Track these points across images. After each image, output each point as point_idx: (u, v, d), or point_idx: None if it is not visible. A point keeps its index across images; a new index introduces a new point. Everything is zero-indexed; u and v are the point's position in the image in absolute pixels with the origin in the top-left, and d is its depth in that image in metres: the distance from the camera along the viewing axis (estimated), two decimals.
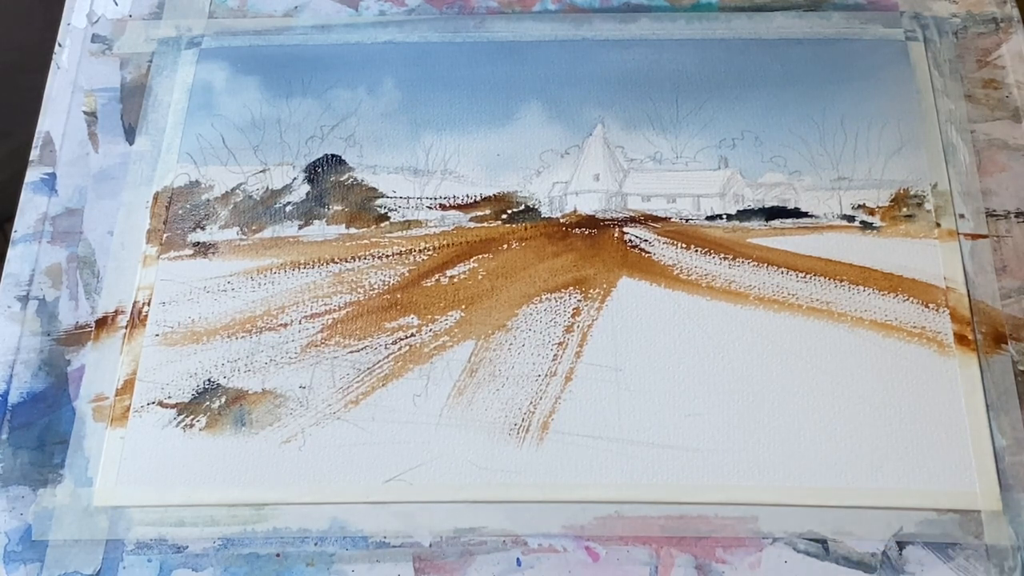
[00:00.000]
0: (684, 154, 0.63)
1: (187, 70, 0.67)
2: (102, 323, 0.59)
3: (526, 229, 0.61)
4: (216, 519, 0.53)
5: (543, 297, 0.59)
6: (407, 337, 0.58)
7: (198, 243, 0.61)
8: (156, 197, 0.63)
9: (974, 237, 0.60)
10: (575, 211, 0.62)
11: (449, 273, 0.60)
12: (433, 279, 0.60)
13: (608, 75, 0.66)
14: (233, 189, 0.63)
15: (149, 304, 0.59)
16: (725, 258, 0.60)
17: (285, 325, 0.58)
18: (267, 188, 0.63)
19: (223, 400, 0.56)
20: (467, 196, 0.62)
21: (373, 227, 0.62)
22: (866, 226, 0.60)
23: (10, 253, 0.62)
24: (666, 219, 0.61)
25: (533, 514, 0.53)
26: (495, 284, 0.59)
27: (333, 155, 0.64)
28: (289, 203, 0.63)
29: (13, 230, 0.62)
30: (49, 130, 0.66)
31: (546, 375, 0.56)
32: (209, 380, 0.57)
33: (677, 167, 0.63)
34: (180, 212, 0.62)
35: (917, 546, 0.52)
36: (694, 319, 0.58)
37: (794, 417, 0.55)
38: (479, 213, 0.62)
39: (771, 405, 0.55)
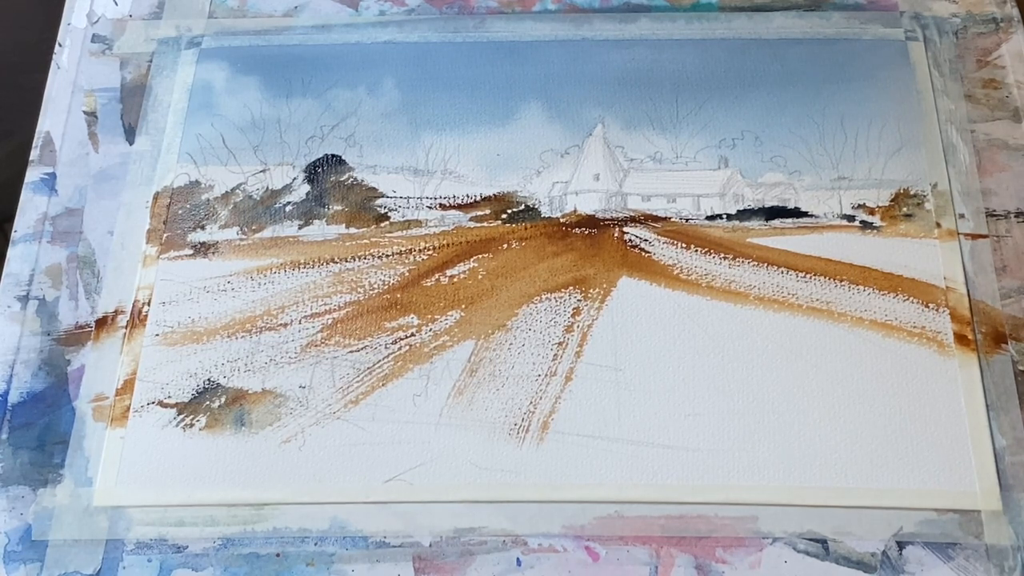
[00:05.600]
0: (684, 154, 0.63)
1: (187, 70, 0.67)
2: (102, 323, 0.59)
3: (526, 229, 0.61)
4: (216, 519, 0.53)
5: (543, 297, 0.59)
6: (407, 337, 0.58)
7: (198, 243, 0.61)
8: (156, 197, 0.63)
9: (974, 237, 0.60)
10: (575, 211, 0.62)
11: (449, 273, 0.60)
12: (433, 279, 0.60)
13: (608, 75, 0.66)
14: (233, 189, 0.63)
15: (149, 304, 0.59)
16: (725, 258, 0.60)
17: (285, 325, 0.59)
18: (267, 188, 0.63)
19: (223, 400, 0.56)
20: (467, 196, 0.62)
21: (373, 227, 0.62)
22: (866, 226, 0.60)
23: (10, 253, 0.62)
24: (666, 219, 0.61)
25: (533, 514, 0.53)
26: (495, 284, 0.59)
27: (333, 155, 0.64)
28: (289, 203, 0.63)
29: (13, 230, 0.62)
30: (49, 130, 0.66)
31: (546, 375, 0.56)
32: (209, 380, 0.57)
33: (677, 167, 0.63)
34: (180, 212, 0.62)
35: (917, 546, 0.52)
36: (694, 319, 0.58)
37: (794, 417, 0.55)
38: (479, 213, 0.62)
39: (771, 405, 0.55)
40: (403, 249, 0.61)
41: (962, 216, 0.60)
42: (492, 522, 0.53)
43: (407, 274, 0.60)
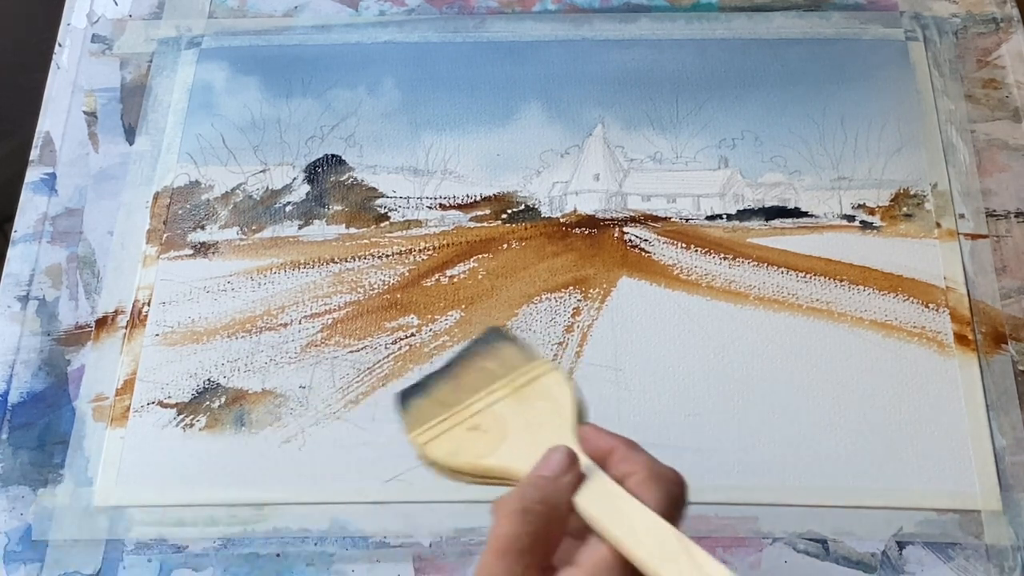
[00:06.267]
0: (684, 154, 0.63)
1: (187, 70, 0.67)
2: (102, 323, 0.59)
3: (526, 229, 0.61)
4: (216, 519, 0.53)
5: (543, 297, 0.59)
6: (407, 337, 0.58)
7: (198, 243, 0.61)
8: (156, 197, 0.63)
9: (974, 237, 0.60)
10: (575, 211, 0.62)
11: (449, 273, 0.60)
12: (433, 279, 0.60)
13: (608, 75, 0.66)
14: (233, 189, 0.63)
15: (149, 304, 0.59)
16: (725, 258, 0.60)
17: (285, 325, 0.58)
18: (267, 188, 0.63)
19: (223, 400, 0.56)
20: (467, 196, 0.62)
21: (373, 227, 0.62)
22: (866, 226, 0.60)
23: (10, 253, 0.62)
24: (666, 219, 0.61)
25: None
26: (495, 284, 0.59)
27: (333, 155, 0.64)
28: (289, 203, 0.63)
29: (13, 230, 0.62)
30: (49, 130, 0.66)
31: None
32: (209, 380, 0.57)
33: (677, 167, 0.63)
34: (180, 212, 0.62)
35: (917, 546, 0.52)
36: (694, 319, 0.58)
37: (794, 417, 0.55)
38: (479, 213, 0.62)
39: (771, 405, 0.55)
40: (403, 249, 0.61)
41: (962, 216, 0.60)
42: None
43: (407, 274, 0.60)
